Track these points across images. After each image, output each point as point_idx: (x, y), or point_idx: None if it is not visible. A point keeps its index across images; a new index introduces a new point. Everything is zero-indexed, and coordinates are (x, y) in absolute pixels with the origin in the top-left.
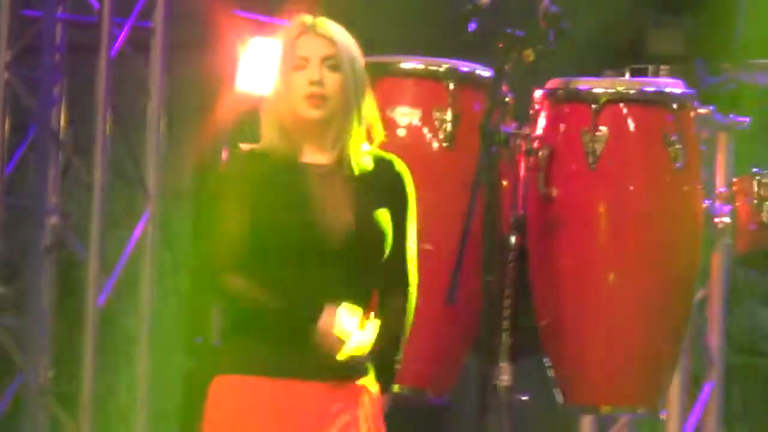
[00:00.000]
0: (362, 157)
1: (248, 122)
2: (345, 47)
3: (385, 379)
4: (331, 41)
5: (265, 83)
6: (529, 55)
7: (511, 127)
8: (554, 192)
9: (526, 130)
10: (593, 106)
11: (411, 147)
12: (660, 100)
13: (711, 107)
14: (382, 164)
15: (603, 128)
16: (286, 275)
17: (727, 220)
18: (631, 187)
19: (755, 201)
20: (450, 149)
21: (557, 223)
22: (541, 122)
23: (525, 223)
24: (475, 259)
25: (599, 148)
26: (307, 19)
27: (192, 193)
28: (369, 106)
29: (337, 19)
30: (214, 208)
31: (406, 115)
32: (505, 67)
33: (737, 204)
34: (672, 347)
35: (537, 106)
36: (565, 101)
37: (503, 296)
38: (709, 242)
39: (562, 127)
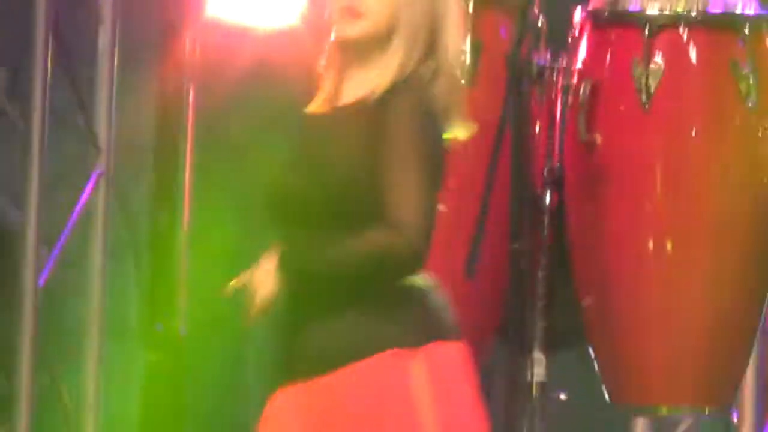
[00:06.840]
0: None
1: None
2: None
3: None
4: None
5: (244, 7)
6: None
7: (544, 57)
8: (598, 138)
9: (563, 62)
10: (646, 30)
11: None
12: (729, 22)
13: None
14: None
15: (658, 59)
16: None
17: None
18: (693, 132)
19: None
20: (469, 86)
21: (602, 176)
22: (582, 52)
23: (562, 178)
24: (501, 222)
25: (654, 83)
26: None
27: (152, 148)
28: (453, 42)
29: None
30: None
31: None
32: None
33: None
34: (746, 333)
35: (576, 32)
36: (611, 25)
37: (536, 269)
38: None
39: (607, 57)
